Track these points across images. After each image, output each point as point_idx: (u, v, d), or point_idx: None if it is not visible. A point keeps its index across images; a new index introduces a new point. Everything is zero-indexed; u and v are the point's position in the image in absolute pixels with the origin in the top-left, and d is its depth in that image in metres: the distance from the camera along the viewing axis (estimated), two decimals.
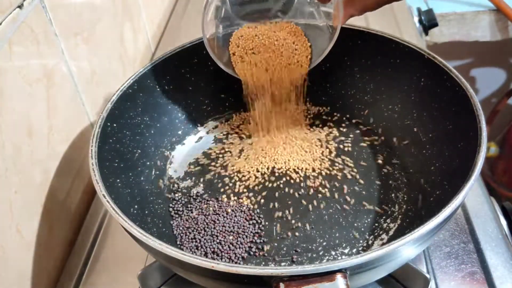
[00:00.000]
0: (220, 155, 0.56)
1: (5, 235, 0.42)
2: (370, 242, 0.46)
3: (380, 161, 0.54)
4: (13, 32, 0.43)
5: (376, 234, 0.46)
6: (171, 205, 0.51)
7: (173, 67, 0.56)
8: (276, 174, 0.53)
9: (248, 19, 0.53)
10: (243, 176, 0.53)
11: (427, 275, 0.41)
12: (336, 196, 0.50)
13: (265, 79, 0.53)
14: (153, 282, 0.45)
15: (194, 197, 0.51)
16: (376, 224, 0.47)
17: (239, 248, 0.46)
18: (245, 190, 0.52)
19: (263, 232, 0.48)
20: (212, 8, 0.51)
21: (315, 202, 0.50)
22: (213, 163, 0.55)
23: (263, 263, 0.45)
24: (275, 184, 0.52)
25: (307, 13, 0.54)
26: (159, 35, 0.86)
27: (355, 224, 0.47)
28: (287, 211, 0.49)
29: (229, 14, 0.53)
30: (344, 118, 0.59)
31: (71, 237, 0.54)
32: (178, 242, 0.47)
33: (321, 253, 0.45)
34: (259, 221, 0.48)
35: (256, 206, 0.50)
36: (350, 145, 0.56)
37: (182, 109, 0.58)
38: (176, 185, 0.53)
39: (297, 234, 0.47)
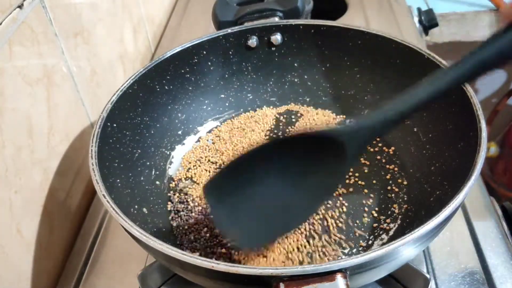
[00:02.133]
0: (220, 155, 0.56)
1: (5, 235, 0.42)
2: (370, 242, 0.46)
3: (380, 161, 0.53)
4: (13, 32, 0.43)
5: (376, 234, 0.46)
6: (171, 205, 0.51)
7: (173, 67, 0.56)
8: None
9: None
10: None
11: (427, 275, 0.41)
12: (336, 196, 0.50)
13: None
14: (153, 282, 0.45)
15: (194, 197, 0.51)
16: (376, 224, 0.47)
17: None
18: None
19: None
20: None
21: None
22: (213, 163, 0.55)
23: None
24: None
25: None
26: (159, 35, 0.86)
27: (355, 224, 0.47)
28: None
29: None
30: (344, 118, 0.59)
31: (71, 237, 0.54)
32: (178, 242, 0.47)
33: None
34: None
35: None
36: None
37: (182, 109, 0.58)
38: (176, 185, 0.53)
39: None
